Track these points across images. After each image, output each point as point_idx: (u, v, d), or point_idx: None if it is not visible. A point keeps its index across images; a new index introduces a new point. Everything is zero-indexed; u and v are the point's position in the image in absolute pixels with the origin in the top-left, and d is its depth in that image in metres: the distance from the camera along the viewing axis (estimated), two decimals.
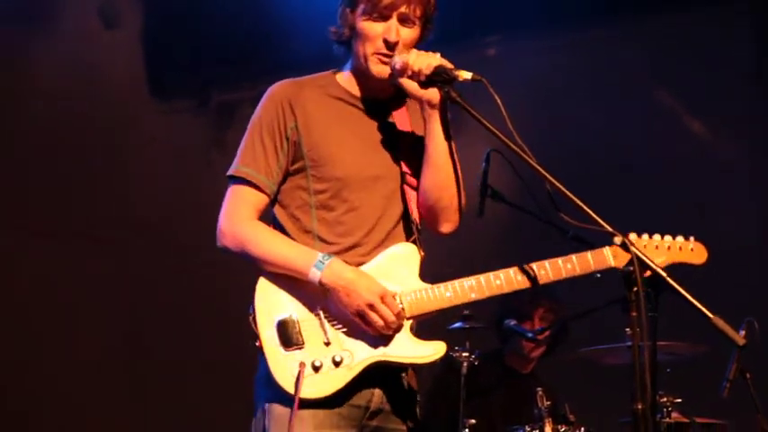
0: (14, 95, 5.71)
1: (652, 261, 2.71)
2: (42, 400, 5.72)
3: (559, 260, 3.00)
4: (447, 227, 3.14)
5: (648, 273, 2.74)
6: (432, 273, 3.11)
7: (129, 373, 6.03)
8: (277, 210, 3.15)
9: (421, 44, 3.11)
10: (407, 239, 3.12)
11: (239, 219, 3.10)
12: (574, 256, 3.00)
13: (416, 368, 3.14)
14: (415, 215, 3.13)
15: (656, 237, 3.10)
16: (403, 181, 3.15)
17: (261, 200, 3.11)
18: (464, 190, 3.12)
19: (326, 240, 3.06)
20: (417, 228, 3.15)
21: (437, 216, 3.12)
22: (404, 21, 3.07)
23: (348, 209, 3.08)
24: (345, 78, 3.17)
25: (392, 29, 3.04)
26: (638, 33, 6.19)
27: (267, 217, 3.16)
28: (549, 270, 3.01)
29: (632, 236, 3.02)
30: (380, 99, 3.13)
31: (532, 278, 3.01)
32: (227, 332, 5.74)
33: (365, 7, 3.04)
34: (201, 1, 6.12)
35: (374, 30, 3.05)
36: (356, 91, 3.15)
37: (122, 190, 6.20)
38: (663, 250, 3.11)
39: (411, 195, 3.15)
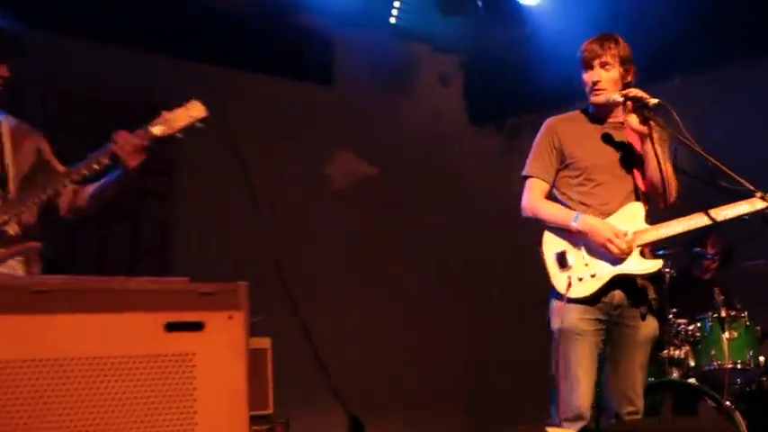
0: (386, 134, 6.74)
1: None
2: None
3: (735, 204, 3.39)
4: (662, 204, 3.56)
5: None
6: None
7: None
8: (557, 192, 3.74)
9: (630, 79, 3.62)
10: (636, 201, 3.62)
11: (532, 198, 3.70)
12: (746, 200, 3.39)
13: (649, 278, 3.59)
14: (641, 188, 3.59)
15: None
16: (632, 167, 3.61)
17: (544, 187, 3.71)
18: (672, 185, 3.52)
19: (585, 204, 3.62)
20: (643, 195, 3.59)
21: (656, 198, 3.58)
22: (603, 65, 3.61)
23: (595, 185, 3.63)
24: (588, 110, 3.73)
25: (593, 74, 3.61)
26: None
27: (551, 196, 3.72)
28: (729, 211, 3.41)
29: None
30: (606, 119, 3.65)
31: (720, 216, 3.43)
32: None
33: (581, 64, 3.66)
34: (503, 65, 6.96)
35: (587, 76, 3.65)
36: (594, 116, 3.70)
37: (454, 182, 7.18)
38: None
39: (638, 176, 3.59)
